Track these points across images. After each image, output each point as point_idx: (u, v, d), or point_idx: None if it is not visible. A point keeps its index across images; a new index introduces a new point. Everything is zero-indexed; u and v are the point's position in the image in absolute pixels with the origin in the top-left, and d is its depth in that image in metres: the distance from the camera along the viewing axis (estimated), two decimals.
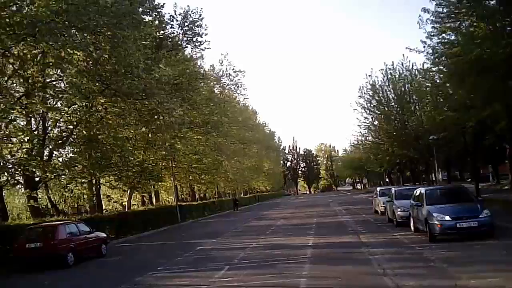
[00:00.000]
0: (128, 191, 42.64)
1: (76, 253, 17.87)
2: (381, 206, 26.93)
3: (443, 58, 19.25)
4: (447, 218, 14.49)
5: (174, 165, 40.37)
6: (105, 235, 21.27)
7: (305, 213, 37.78)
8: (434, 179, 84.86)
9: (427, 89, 32.87)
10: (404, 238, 16.53)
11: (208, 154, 46.55)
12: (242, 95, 55.09)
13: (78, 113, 27.43)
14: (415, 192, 18.37)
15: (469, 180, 66.50)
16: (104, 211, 36.42)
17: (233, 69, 50.70)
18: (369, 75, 44.72)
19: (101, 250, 20.03)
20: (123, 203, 44.44)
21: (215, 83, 52.00)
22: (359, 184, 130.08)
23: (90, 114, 27.00)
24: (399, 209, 20.24)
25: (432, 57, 20.80)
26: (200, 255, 17.27)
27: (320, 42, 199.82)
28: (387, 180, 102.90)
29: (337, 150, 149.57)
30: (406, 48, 22.96)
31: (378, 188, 30.39)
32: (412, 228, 17.55)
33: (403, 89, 41.18)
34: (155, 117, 28.46)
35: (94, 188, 35.73)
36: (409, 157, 40.96)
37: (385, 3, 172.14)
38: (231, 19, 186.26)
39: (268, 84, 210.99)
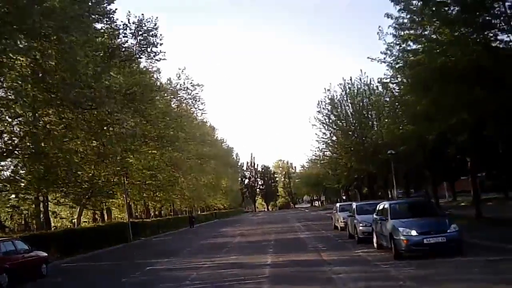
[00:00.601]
0: (78, 208, 40.70)
1: (11, 274, 16.13)
2: (341, 222, 26.18)
3: (405, 68, 18.74)
4: (414, 233, 13.62)
5: (126, 181, 38.53)
6: (45, 254, 19.49)
7: (264, 229, 36.68)
8: (390, 196, 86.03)
9: (386, 102, 32.70)
10: (367, 255, 15.61)
11: (163, 169, 44.99)
12: (200, 109, 53.69)
13: (23, 125, 25.73)
14: (378, 206, 17.46)
15: (423, 197, 67.99)
16: (53, 229, 34.39)
17: (191, 83, 49.50)
18: (328, 90, 44.46)
19: (41, 270, 18.39)
20: (73, 221, 42.28)
21: (172, 96, 50.45)
22: (316, 202, 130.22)
23: (36, 125, 25.34)
24: (361, 225, 19.42)
25: (393, 67, 20.22)
26: (149, 276, 15.86)
27: (279, 59, 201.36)
28: (343, 197, 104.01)
29: (295, 167, 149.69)
30: (368, 58, 22.20)
31: (338, 204, 29.73)
32: (375, 244, 16.71)
33: (361, 103, 41.03)
34: (105, 128, 26.77)
35: (41, 204, 33.72)
36: (367, 172, 40.63)
37: (343, 21, 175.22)
38: (189, 34, 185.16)
39: (226, 100, 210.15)
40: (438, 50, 15.51)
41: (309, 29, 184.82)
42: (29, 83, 22.49)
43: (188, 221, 59.24)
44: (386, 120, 34.31)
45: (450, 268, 11.84)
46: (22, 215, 43.43)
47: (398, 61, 19.28)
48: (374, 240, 16.91)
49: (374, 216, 17.11)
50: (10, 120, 25.66)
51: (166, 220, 53.84)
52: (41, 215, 34.50)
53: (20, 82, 21.36)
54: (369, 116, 41.33)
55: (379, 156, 38.41)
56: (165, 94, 48.08)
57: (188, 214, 67.35)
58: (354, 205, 22.78)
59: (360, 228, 19.36)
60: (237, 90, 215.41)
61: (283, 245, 21.75)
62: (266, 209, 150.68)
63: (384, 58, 20.52)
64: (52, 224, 48.35)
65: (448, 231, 13.60)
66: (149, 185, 43.97)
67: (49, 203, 34.30)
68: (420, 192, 50.93)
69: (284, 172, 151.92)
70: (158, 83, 45.43)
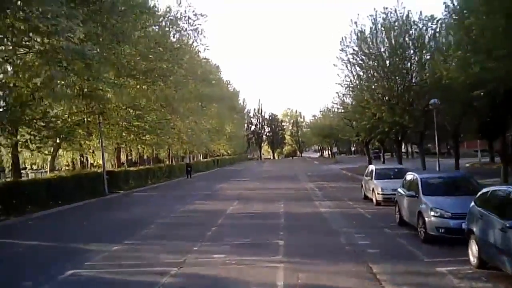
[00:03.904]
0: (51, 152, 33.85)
1: None
2: (379, 194, 18.87)
3: None
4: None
5: (102, 120, 31.14)
6: None
7: (269, 190, 29.45)
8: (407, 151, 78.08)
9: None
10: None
11: (153, 109, 37.51)
12: (202, 44, 44.92)
13: None
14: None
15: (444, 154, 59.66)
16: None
17: (194, 11, 40.62)
18: (355, 22, 35.85)
19: None
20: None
21: (170, 26, 41.81)
22: (326, 152, 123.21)
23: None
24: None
25: None
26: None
27: (297, 4, 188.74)
28: (353, 149, 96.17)
29: (304, 116, 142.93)
30: None
31: (372, 167, 21.92)
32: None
33: (399, 39, 32.54)
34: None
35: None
36: (400, 125, 32.78)
37: None
38: None
39: (233, 41, 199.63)
40: None
41: None
42: None
43: (183, 172, 52.33)
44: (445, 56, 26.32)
45: None
46: None
47: None
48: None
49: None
50: None
51: (157, 168, 46.62)
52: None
53: None
54: (407, 56, 33.00)
55: (416, 106, 30.66)
56: (161, 21, 39.98)
57: (186, 162, 60.22)
58: (418, 177, 15.38)
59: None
60: (245, 31, 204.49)
61: (299, 231, 14.31)
62: (271, 157, 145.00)
63: None
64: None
65: None
66: (136, 126, 36.65)
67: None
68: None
69: (292, 121, 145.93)
70: (151, 4, 37.39)
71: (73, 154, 42.71)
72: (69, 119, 29.19)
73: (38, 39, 17.82)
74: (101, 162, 36.29)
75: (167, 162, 61.36)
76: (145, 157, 55.84)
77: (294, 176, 45.23)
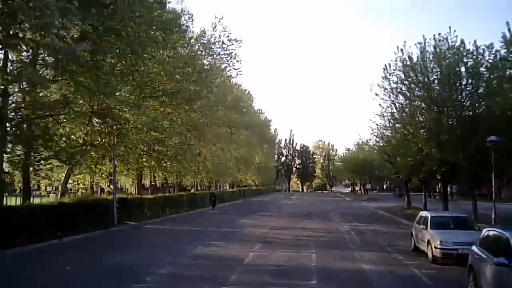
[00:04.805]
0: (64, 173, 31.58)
1: None
2: (436, 248, 14.97)
3: None
4: None
5: (117, 142, 28.20)
6: None
7: (297, 231, 25.65)
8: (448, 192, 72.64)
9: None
10: None
11: (177, 133, 34.47)
12: (235, 69, 41.91)
13: None
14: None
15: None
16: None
17: (228, 36, 37.88)
18: (401, 50, 32.38)
19: None
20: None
21: (203, 49, 38.99)
22: (357, 188, 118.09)
23: None
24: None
25: None
26: None
27: (331, 38, 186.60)
28: (385, 186, 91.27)
29: (336, 149, 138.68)
30: None
31: (427, 214, 17.77)
32: None
33: (453, 69, 28.79)
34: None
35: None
36: (450, 163, 28.76)
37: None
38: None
39: (266, 68, 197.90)
40: None
41: (363, 12, 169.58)
42: None
43: (207, 202, 48.96)
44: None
45: None
46: None
47: None
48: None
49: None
50: None
51: (177, 197, 43.33)
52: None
53: None
54: (461, 86, 29.24)
55: (474, 142, 26.65)
56: (193, 43, 37.55)
57: (210, 191, 56.92)
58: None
59: None
60: (280, 59, 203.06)
61: None
62: (300, 189, 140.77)
63: None
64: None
65: None
66: (156, 151, 33.66)
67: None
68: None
69: (324, 154, 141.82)
70: (185, 26, 35.02)
71: (92, 177, 39.89)
72: (75, 139, 26.38)
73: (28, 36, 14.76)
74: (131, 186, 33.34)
75: (192, 190, 58.35)
76: (170, 183, 53.01)
77: (325, 213, 41.26)
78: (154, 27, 26.09)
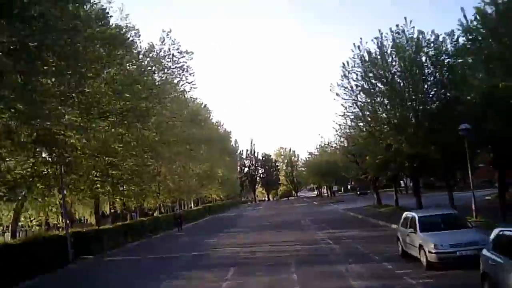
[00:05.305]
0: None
1: None
2: (431, 253, 13.36)
3: None
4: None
5: (64, 171, 25.65)
6: None
7: (272, 247, 23.75)
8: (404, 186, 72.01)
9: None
10: None
11: (131, 154, 32.12)
12: (189, 82, 39.82)
13: None
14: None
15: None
16: None
17: (178, 49, 35.85)
18: (358, 46, 31.23)
19: None
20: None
21: (153, 64, 36.76)
22: (322, 190, 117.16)
23: None
24: None
25: None
26: None
27: (286, 42, 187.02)
28: (349, 186, 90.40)
29: (298, 155, 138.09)
30: None
31: (413, 215, 15.87)
32: None
33: (416, 59, 27.74)
34: None
35: None
36: (422, 157, 27.57)
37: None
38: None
39: (220, 80, 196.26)
40: None
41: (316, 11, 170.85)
42: None
43: (172, 223, 46.57)
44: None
45: None
46: None
47: None
48: None
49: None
50: None
51: (138, 223, 40.72)
52: None
53: None
54: (424, 76, 28.23)
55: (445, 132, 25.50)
56: (141, 59, 35.32)
57: (174, 212, 54.42)
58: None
59: None
60: (235, 72, 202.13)
61: None
62: (266, 198, 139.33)
63: None
64: None
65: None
66: (110, 176, 31.27)
67: None
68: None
69: (286, 160, 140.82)
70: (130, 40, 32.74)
71: (42, 212, 36.67)
72: (19, 172, 23.81)
73: None
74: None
75: (156, 212, 55.67)
76: (132, 208, 50.15)
77: (296, 222, 39.54)
78: (96, 43, 24.28)
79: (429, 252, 13.47)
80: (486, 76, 21.45)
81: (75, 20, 21.94)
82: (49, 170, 26.23)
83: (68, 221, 28.08)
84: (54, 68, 20.79)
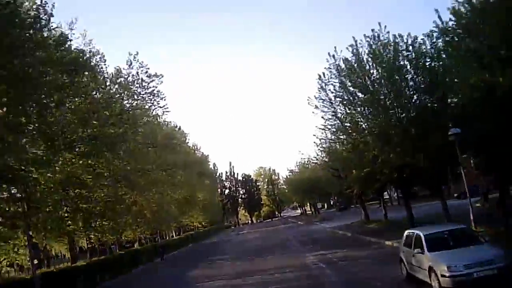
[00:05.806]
0: None
1: None
2: (445, 277, 11.58)
3: None
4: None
5: (28, 209, 23.29)
6: None
7: (260, 277, 21.55)
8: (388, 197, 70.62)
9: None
10: None
11: (102, 185, 29.95)
12: (161, 107, 37.94)
13: None
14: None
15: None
16: None
17: (147, 72, 34.01)
18: (333, 56, 29.78)
19: None
20: None
21: (122, 91, 34.83)
22: (305, 209, 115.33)
23: None
24: None
25: None
26: None
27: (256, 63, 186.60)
28: (333, 202, 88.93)
29: (278, 173, 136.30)
30: None
31: (417, 233, 14.05)
32: None
33: (396, 63, 26.38)
34: None
35: None
36: (411, 167, 26.00)
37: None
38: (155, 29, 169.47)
39: (197, 104, 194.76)
40: None
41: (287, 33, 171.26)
42: None
43: (153, 254, 44.27)
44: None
45: None
46: None
47: None
48: None
49: None
50: None
51: (116, 258, 38.20)
52: None
53: None
54: (406, 81, 26.84)
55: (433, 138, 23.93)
56: (108, 85, 33.42)
57: (155, 243, 51.98)
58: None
59: None
60: (208, 94, 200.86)
61: None
62: (250, 221, 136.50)
63: None
64: None
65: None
66: (81, 210, 28.99)
67: None
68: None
69: (266, 180, 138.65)
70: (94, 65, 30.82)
71: (11, 256, 33.85)
72: None
73: None
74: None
75: (136, 244, 53.15)
76: (110, 242, 47.52)
77: (283, 245, 37.47)
78: (57, 70, 22.59)
79: (442, 275, 11.69)
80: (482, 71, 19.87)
81: (28, 42, 20.36)
82: (11, 209, 23.93)
83: (36, 261, 25.58)
84: (6, 97, 19.05)
